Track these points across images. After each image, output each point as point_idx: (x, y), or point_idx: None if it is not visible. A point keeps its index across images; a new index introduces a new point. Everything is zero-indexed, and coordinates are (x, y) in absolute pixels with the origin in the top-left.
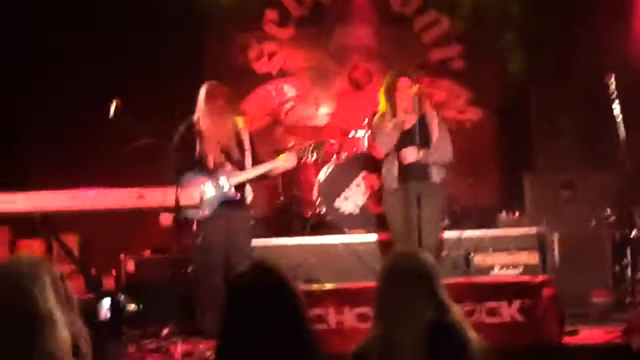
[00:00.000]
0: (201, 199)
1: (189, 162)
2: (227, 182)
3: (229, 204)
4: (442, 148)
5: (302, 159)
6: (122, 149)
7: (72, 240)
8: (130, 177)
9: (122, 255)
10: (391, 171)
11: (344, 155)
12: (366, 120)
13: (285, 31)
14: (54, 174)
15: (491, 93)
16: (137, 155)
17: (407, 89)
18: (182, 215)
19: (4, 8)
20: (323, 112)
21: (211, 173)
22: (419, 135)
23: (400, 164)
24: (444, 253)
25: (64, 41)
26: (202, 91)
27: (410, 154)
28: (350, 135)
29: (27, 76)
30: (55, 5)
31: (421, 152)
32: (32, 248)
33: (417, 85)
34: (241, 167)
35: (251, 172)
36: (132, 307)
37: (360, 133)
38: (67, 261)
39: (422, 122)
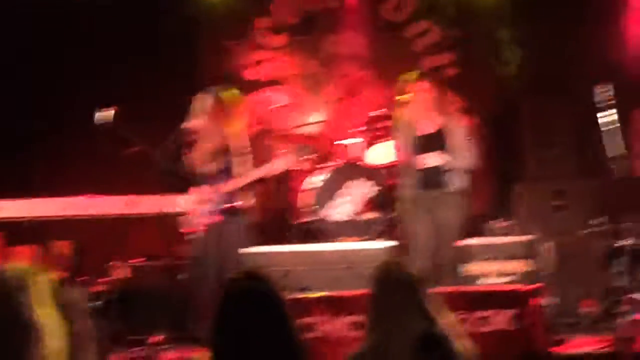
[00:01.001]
0: (196, 207)
1: (181, 169)
2: (223, 189)
3: (225, 211)
4: (463, 153)
5: (299, 158)
6: (116, 157)
7: (65, 247)
8: (123, 185)
9: (114, 262)
10: (408, 177)
11: (334, 162)
12: (360, 128)
13: (276, 39)
14: (50, 180)
15: (484, 101)
16: (130, 163)
17: (425, 92)
18: (181, 222)
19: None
20: (314, 120)
21: (207, 180)
22: (439, 140)
23: (418, 170)
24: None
25: (64, 51)
26: (204, 97)
27: (431, 159)
28: (344, 143)
29: (24, 85)
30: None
31: (440, 157)
32: (24, 255)
33: (436, 88)
34: (237, 173)
35: (247, 178)
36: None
37: (351, 141)
38: (59, 268)
39: (443, 126)
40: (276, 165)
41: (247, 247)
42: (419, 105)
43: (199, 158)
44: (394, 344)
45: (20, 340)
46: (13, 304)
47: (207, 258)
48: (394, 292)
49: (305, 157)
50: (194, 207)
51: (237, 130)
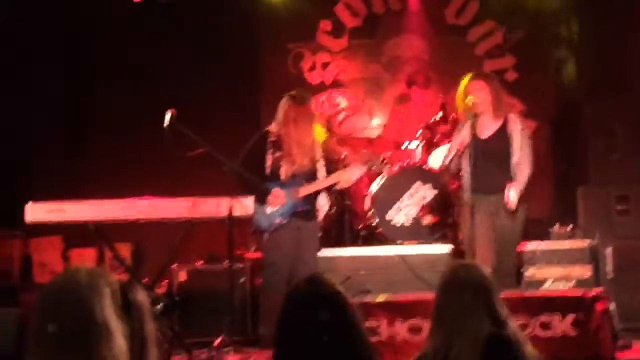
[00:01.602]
0: (266, 210)
1: (259, 171)
2: (297, 193)
3: (299, 215)
4: (525, 165)
5: (370, 169)
6: (177, 159)
7: (125, 249)
8: (185, 187)
9: (174, 265)
10: (466, 182)
11: (396, 166)
12: (419, 132)
13: (339, 42)
14: (110, 183)
15: (545, 105)
16: (192, 165)
17: (480, 92)
18: (255, 225)
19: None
20: (376, 123)
21: (282, 183)
22: (498, 144)
23: (474, 174)
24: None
25: (127, 50)
26: (288, 100)
27: (514, 198)
28: (403, 147)
29: (84, 87)
30: (118, 15)
31: (514, 193)
32: (84, 257)
33: (493, 86)
34: (312, 178)
35: (320, 183)
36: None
37: (413, 144)
38: (120, 270)
39: (503, 129)
40: (350, 174)
41: (319, 249)
42: (476, 105)
43: (280, 160)
44: (460, 346)
45: (93, 340)
46: (87, 303)
47: (281, 262)
48: (461, 293)
49: (376, 167)
50: (266, 209)
51: (314, 135)
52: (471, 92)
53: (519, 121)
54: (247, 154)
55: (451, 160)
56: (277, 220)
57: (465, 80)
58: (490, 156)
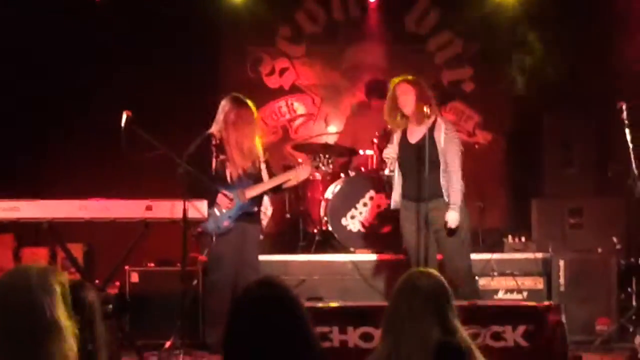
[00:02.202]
0: (214, 213)
1: (203, 174)
2: (244, 195)
3: (244, 217)
4: (453, 172)
5: (317, 168)
6: (132, 161)
7: (77, 250)
8: (140, 190)
9: (126, 267)
10: (397, 189)
11: (352, 173)
12: (375, 140)
13: (298, 48)
14: (65, 185)
15: (501, 117)
16: (147, 167)
17: (406, 95)
18: (202, 228)
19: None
20: (332, 130)
21: (229, 186)
22: (426, 149)
23: (405, 181)
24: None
25: (81, 53)
26: (228, 102)
27: (452, 222)
28: (359, 154)
29: (41, 86)
30: (76, 17)
31: (454, 214)
32: (36, 256)
33: (418, 89)
34: (258, 179)
35: (267, 184)
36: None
37: (369, 152)
38: (71, 270)
39: (431, 131)
40: (297, 174)
41: (261, 254)
42: (403, 108)
43: (225, 163)
44: (406, 353)
45: (43, 338)
46: (38, 302)
47: (225, 264)
48: (411, 299)
49: (324, 167)
50: (214, 212)
51: (257, 137)
52: (397, 96)
53: (444, 126)
54: (191, 157)
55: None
56: (226, 223)
57: (392, 85)
58: (418, 161)
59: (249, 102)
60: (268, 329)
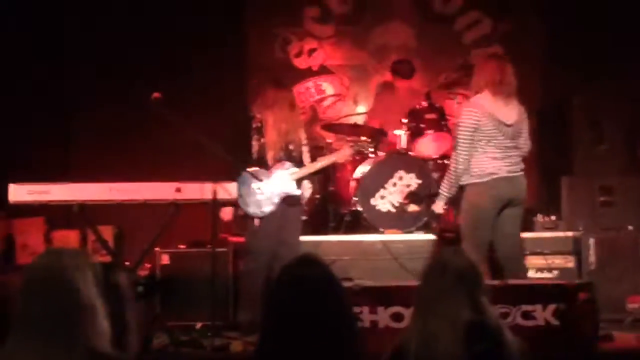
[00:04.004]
0: (256, 198)
1: (244, 157)
2: (287, 178)
3: (286, 200)
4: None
5: (359, 153)
6: (162, 143)
7: (107, 232)
8: (169, 172)
9: (156, 248)
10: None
11: (381, 153)
12: (404, 120)
13: (325, 28)
14: (94, 168)
15: (531, 95)
16: (177, 149)
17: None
18: (243, 211)
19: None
20: (361, 110)
21: (270, 169)
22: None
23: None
24: None
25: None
26: (266, 85)
27: (437, 209)
28: (388, 134)
29: (68, 70)
30: None
31: (439, 203)
32: (67, 239)
33: None
34: (299, 163)
35: (309, 168)
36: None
37: (398, 132)
38: (102, 252)
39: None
40: (338, 158)
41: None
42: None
43: (266, 146)
44: (437, 332)
45: (79, 318)
46: (73, 282)
47: (264, 249)
48: (442, 278)
49: (362, 150)
50: (255, 197)
51: (295, 120)
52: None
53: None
54: (233, 139)
55: None
56: (267, 207)
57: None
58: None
59: (287, 85)
60: (307, 307)
